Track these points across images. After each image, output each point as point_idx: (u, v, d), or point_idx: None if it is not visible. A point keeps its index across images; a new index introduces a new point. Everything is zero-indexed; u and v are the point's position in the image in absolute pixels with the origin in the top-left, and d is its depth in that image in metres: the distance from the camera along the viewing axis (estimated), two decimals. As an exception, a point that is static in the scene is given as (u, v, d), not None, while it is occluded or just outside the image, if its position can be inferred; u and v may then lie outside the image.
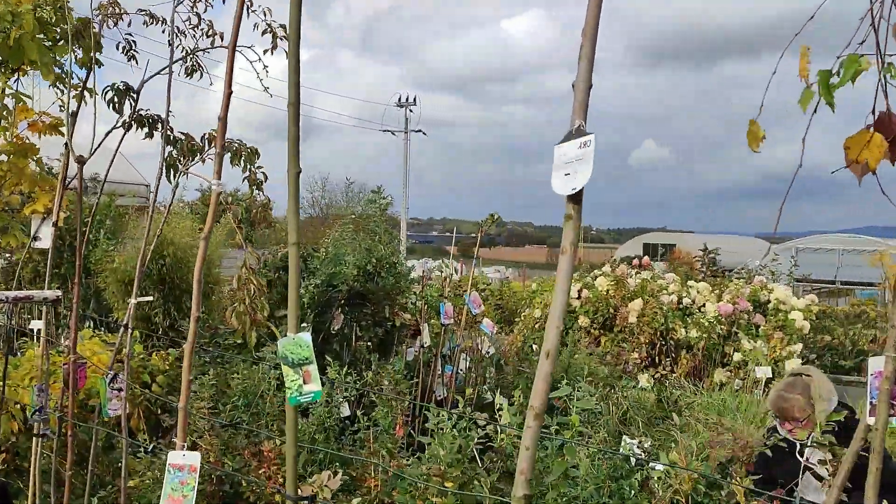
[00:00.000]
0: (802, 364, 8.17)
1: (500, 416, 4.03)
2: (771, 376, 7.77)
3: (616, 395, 5.80)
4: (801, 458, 2.31)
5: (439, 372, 5.80)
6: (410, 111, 38.33)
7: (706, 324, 8.56)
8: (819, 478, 2.39)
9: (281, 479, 3.53)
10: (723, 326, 8.43)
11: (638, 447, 4.32)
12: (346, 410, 4.79)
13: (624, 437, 4.54)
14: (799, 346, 8.10)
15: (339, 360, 5.61)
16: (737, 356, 8.31)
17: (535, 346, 8.66)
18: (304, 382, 2.26)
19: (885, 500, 2.13)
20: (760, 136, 1.04)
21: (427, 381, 5.78)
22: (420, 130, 38.59)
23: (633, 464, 3.29)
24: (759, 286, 9.15)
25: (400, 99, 38.66)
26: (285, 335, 2.29)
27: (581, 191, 1.32)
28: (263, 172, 3.18)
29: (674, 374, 8.74)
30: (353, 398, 4.84)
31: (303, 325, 5.85)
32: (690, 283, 10.00)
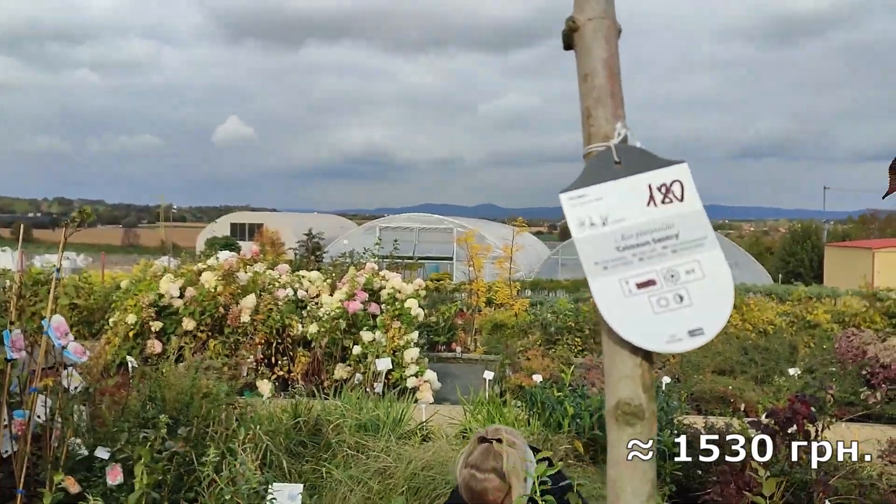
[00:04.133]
0: (416, 345, 8.26)
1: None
2: (391, 367, 7.67)
3: (245, 422, 4.92)
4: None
5: (5, 422, 4.24)
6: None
7: (326, 318, 8.13)
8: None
9: None
10: (345, 320, 8.08)
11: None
12: None
13: (272, 486, 3.73)
14: (415, 334, 8.17)
15: None
16: (356, 349, 8.05)
17: (131, 360, 7.21)
18: None
19: None
20: None
21: (-15, 436, 4.17)
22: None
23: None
24: (371, 273, 9.02)
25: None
26: None
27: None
28: None
29: (291, 374, 8.17)
30: None
31: None
32: (302, 272, 9.50)
